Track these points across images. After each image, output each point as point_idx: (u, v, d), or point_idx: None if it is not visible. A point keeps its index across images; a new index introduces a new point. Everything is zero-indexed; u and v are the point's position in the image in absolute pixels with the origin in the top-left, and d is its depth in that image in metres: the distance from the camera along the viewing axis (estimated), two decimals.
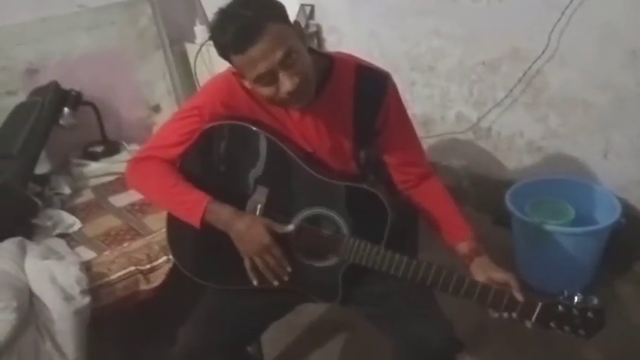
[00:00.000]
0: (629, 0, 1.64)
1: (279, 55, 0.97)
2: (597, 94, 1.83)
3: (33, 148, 1.97)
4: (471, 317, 1.24)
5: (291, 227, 1.10)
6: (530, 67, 1.94)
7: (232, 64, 1.04)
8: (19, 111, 2.09)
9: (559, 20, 1.78)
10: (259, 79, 1.00)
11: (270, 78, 0.99)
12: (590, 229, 1.73)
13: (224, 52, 1.01)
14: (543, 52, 1.87)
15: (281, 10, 1.01)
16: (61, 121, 2.14)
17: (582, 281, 1.82)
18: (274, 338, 1.62)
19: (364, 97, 1.13)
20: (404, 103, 1.21)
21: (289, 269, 1.11)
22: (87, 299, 1.46)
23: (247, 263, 1.12)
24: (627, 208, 1.81)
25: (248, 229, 1.08)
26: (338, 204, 1.11)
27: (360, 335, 1.75)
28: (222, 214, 1.10)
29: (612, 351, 1.57)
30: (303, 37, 1.05)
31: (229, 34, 0.97)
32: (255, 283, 1.13)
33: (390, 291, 1.14)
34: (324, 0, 2.56)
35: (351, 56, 1.18)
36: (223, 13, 0.99)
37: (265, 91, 1.02)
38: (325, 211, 1.12)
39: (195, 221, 1.10)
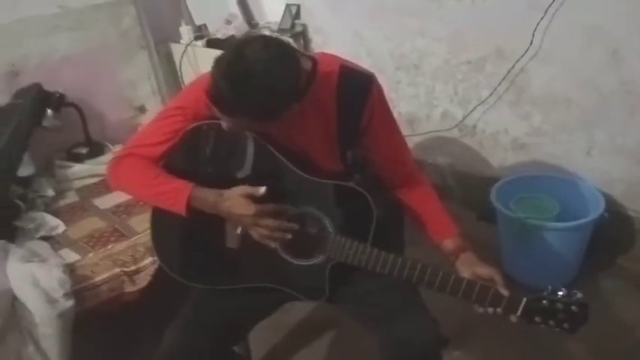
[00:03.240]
0: (612, 0, 1.67)
1: (236, 128, 1.05)
2: (580, 92, 1.85)
3: (15, 150, 1.94)
4: (458, 312, 1.25)
5: (263, 189, 1.08)
6: (513, 66, 1.96)
7: None
8: (1, 114, 2.05)
9: (542, 19, 1.80)
10: None
11: None
12: (573, 224, 1.74)
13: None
14: (527, 51, 1.89)
15: (268, 108, 1.00)
16: (44, 123, 2.12)
17: (566, 276, 1.84)
18: (262, 337, 1.61)
19: (347, 98, 1.13)
20: (389, 102, 1.20)
21: (293, 225, 1.10)
22: (70, 302, 1.45)
23: (254, 234, 1.11)
24: (610, 203, 1.83)
25: (231, 205, 1.08)
26: (324, 203, 1.11)
27: (347, 333, 1.75)
28: (207, 198, 1.10)
29: (596, 344, 1.59)
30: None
31: (214, 88, 0.97)
32: (273, 246, 1.11)
33: (376, 289, 1.15)
34: (309, 0, 2.56)
35: (335, 57, 1.17)
36: (224, 65, 0.96)
37: None
38: (311, 210, 1.11)
39: (180, 209, 1.09)
